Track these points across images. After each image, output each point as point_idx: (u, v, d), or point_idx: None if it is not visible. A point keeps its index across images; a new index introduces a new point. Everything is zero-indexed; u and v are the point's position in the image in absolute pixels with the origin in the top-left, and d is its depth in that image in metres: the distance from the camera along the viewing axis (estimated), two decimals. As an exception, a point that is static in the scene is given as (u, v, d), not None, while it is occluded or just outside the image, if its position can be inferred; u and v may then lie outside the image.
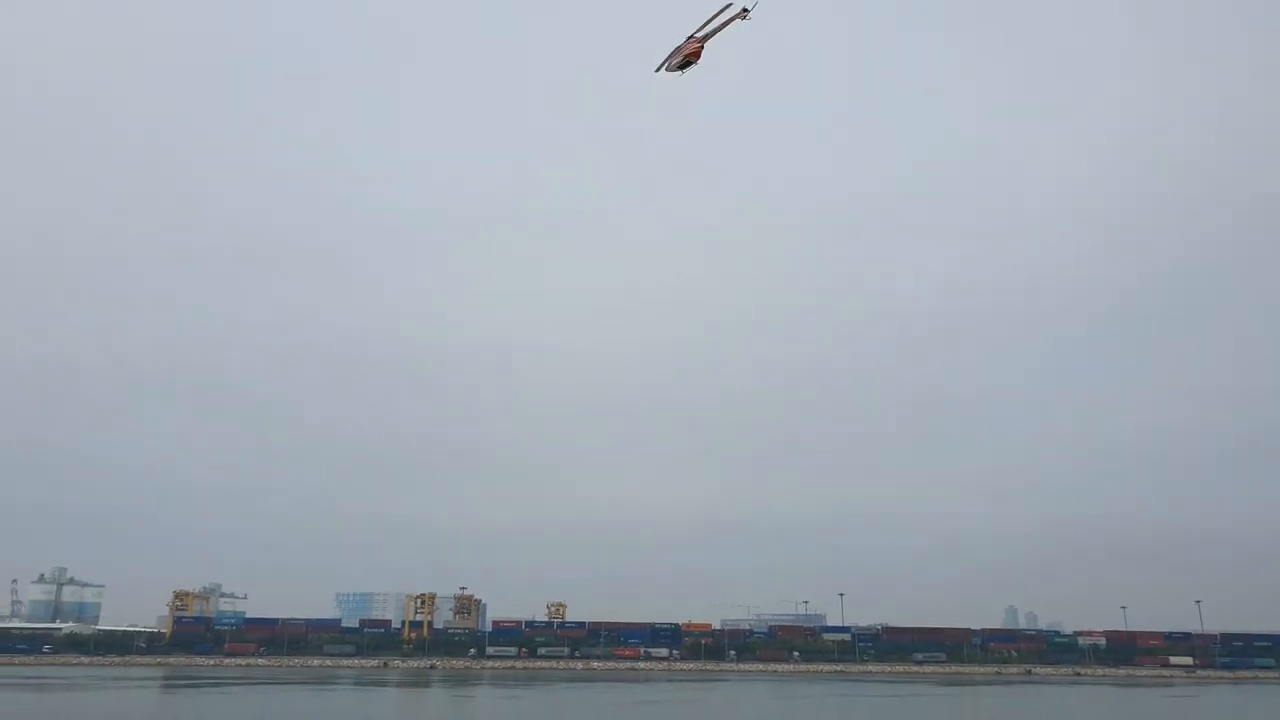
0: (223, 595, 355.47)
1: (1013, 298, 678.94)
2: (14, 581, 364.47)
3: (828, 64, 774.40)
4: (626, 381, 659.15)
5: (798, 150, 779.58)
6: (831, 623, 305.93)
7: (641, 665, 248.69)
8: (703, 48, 51.17)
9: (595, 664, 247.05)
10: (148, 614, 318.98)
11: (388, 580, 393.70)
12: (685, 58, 51.51)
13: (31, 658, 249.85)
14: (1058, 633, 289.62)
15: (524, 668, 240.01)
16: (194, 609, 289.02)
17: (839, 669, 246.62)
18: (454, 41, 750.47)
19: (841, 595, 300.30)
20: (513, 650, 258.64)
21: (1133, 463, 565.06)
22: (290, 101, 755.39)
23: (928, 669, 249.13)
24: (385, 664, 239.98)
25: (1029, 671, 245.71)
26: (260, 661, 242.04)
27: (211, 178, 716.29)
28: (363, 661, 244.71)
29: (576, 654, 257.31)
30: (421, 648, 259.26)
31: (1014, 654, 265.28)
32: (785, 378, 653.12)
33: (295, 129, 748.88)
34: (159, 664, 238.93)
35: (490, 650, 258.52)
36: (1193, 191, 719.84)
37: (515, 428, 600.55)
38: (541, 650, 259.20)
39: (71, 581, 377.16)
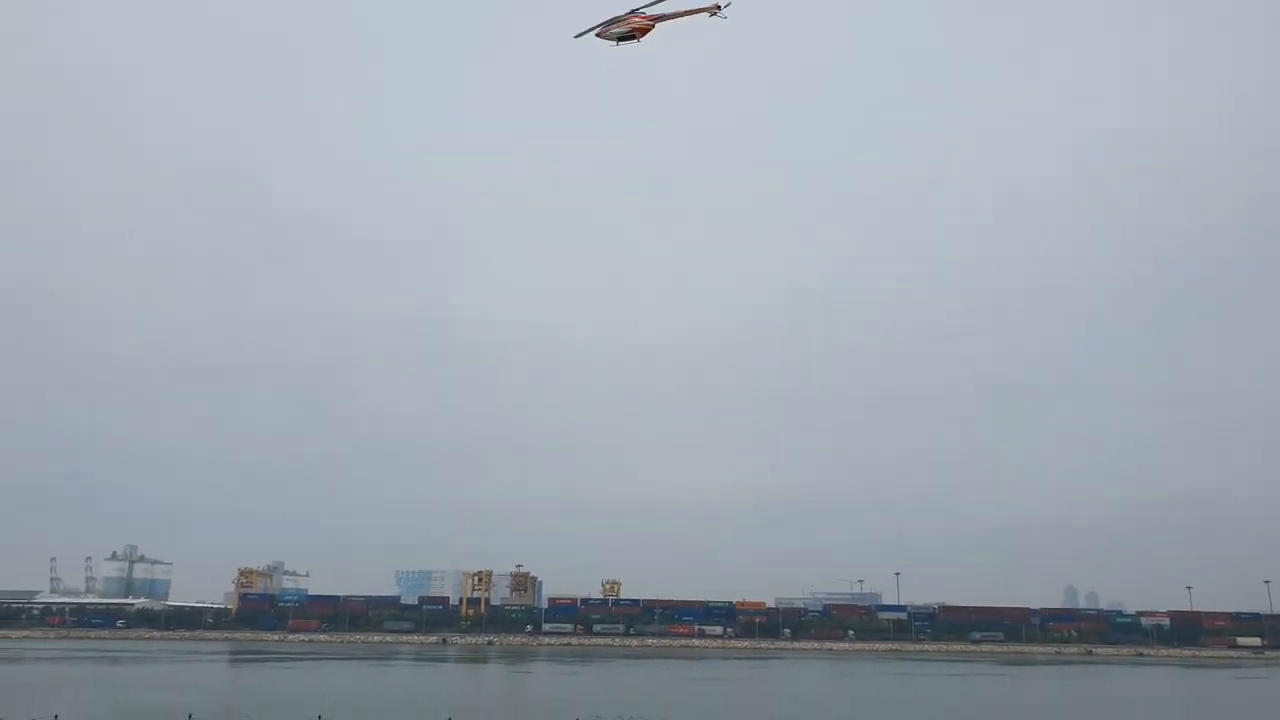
0: (285, 573, 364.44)
1: (1074, 280, 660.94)
2: (88, 559, 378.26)
3: (924, 39, 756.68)
4: (685, 363, 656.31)
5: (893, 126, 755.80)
6: (887, 602, 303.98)
7: (696, 643, 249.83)
8: (654, 27, 49.14)
9: (650, 641, 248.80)
10: (214, 591, 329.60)
11: (446, 558, 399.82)
12: (631, 30, 49.41)
13: (107, 632, 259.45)
14: (1119, 613, 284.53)
15: (579, 644, 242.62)
16: (258, 586, 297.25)
17: (894, 648, 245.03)
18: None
19: (897, 574, 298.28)
20: (569, 627, 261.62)
21: (1197, 442, 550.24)
22: (354, 91, 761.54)
23: (985, 648, 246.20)
24: (444, 640, 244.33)
25: (1089, 652, 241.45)
26: (323, 637, 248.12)
27: (279, 174, 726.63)
28: (422, 638, 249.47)
29: (631, 631, 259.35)
30: (479, 624, 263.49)
31: (1074, 634, 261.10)
32: (848, 358, 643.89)
33: (358, 117, 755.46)
34: (226, 639, 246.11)
35: (546, 627, 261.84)
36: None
37: (574, 410, 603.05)
38: (597, 627, 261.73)
39: (142, 559, 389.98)
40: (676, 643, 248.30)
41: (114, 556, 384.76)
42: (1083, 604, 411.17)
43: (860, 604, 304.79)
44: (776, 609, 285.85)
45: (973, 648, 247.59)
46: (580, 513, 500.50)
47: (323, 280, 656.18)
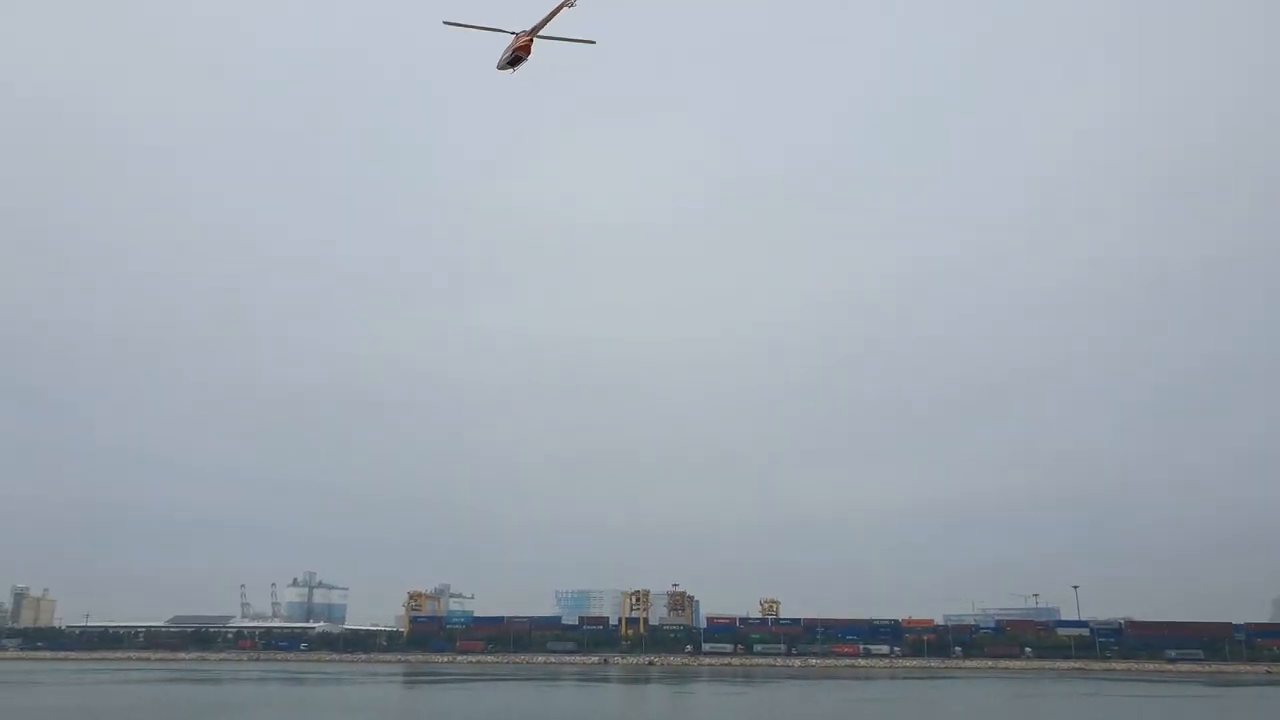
0: (452, 595, 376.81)
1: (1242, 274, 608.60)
2: (273, 585, 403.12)
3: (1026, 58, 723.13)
4: (843, 372, 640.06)
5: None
6: (1066, 617, 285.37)
7: (861, 662, 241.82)
8: (532, 42, 49.27)
9: (813, 661, 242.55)
10: (386, 613, 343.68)
11: (603, 578, 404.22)
12: (514, 53, 49.82)
13: (292, 654, 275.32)
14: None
15: (740, 664, 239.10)
16: (426, 609, 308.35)
17: (1077, 666, 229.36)
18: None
19: (1076, 588, 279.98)
20: (728, 646, 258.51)
21: None
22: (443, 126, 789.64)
23: (1182, 667, 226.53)
24: (605, 660, 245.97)
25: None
26: (489, 658, 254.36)
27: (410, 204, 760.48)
28: (584, 658, 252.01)
29: (793, 651, 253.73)
30: (639, 644, 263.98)
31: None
32: (1009, 361, 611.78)
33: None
34: (399, 660, 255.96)
35: (706, 647, 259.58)
36: None
37: (725, 424, 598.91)
38: (757, 647, 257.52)
39: (320, 585, 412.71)
40: (841, 662, 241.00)
41: (295, 582, 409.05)
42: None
43: (1037, 619, 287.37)
44: (945, 626, 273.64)
45: (1169, 667, 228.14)
46: (734, 530, 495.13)
47: (468, 304, 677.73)
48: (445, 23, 50.60)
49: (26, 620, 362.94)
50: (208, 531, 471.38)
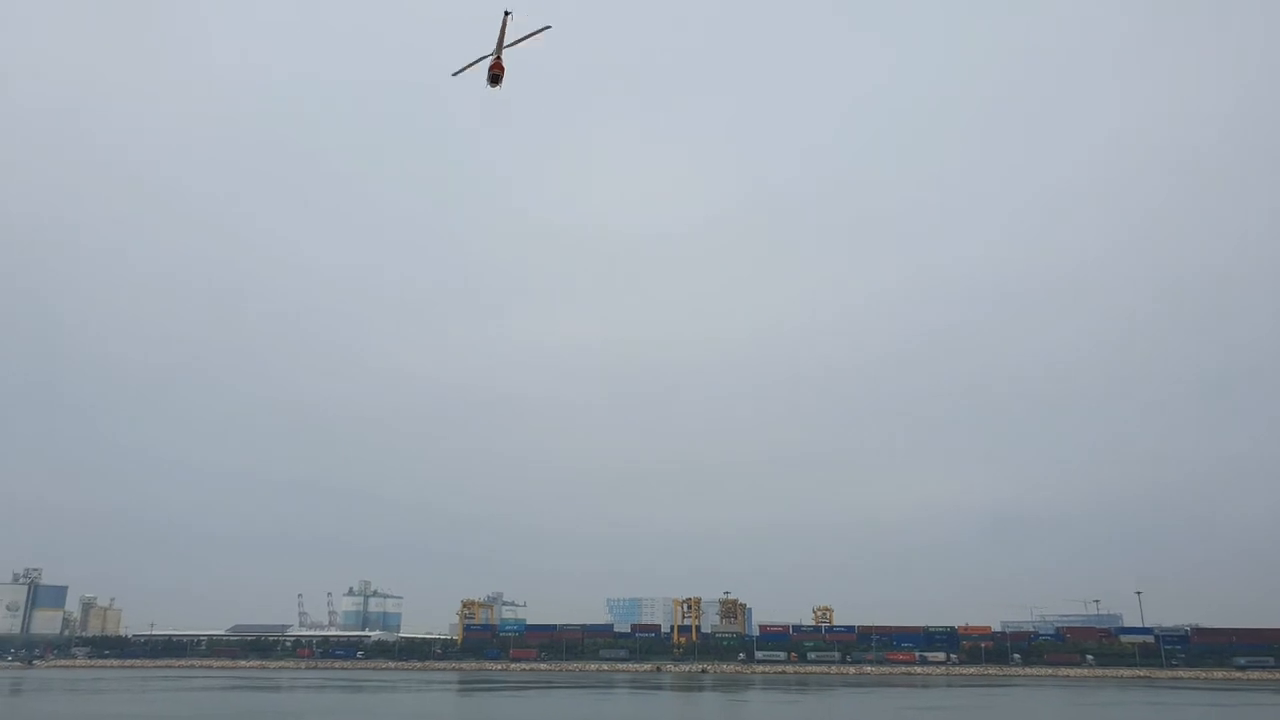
0: (504, 603, 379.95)
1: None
2: (329, 594, 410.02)
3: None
4: (897, 375, 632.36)
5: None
6: (1129, 623, 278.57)
7: (917, 670, 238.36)
8: (501, 58, 49.66)
9: (868, 668, 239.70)
10: (440, 621, 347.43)
11: (654, 585, 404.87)
12: (491, 73, 50.27)
13: (348, 662, 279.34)
14: None
15: (794, 672, 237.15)
16: (479, 617, 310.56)
17: (1142, 675, 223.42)
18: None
19: (1139, 593, 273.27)
20: (781, 654, 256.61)
21: None
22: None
23: (1253, 675, 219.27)
24: (658, 668, 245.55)
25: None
26: (542, 666, 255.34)
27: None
28: (636, 665, 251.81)
29: (848, 658, 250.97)
30: (691, 652, 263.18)
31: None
32: (1067, 362, 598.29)
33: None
34: (454, 668, 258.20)
35: (759, 654, 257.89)
36: None
37: (772, 430, 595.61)
38: (811, 655, 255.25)
39: (375, 594, 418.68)
40: (896, 670, 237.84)
41: (351, 591, 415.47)
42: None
43: (1098, 625, 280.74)
44: (1003, 633, 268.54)
45: (1239, 675, 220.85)
46: (785, 536, 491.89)
47: (516, 318, 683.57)
48: (453, 75, 51.44)
49: (94, 629, 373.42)
50: (266, 543, 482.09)
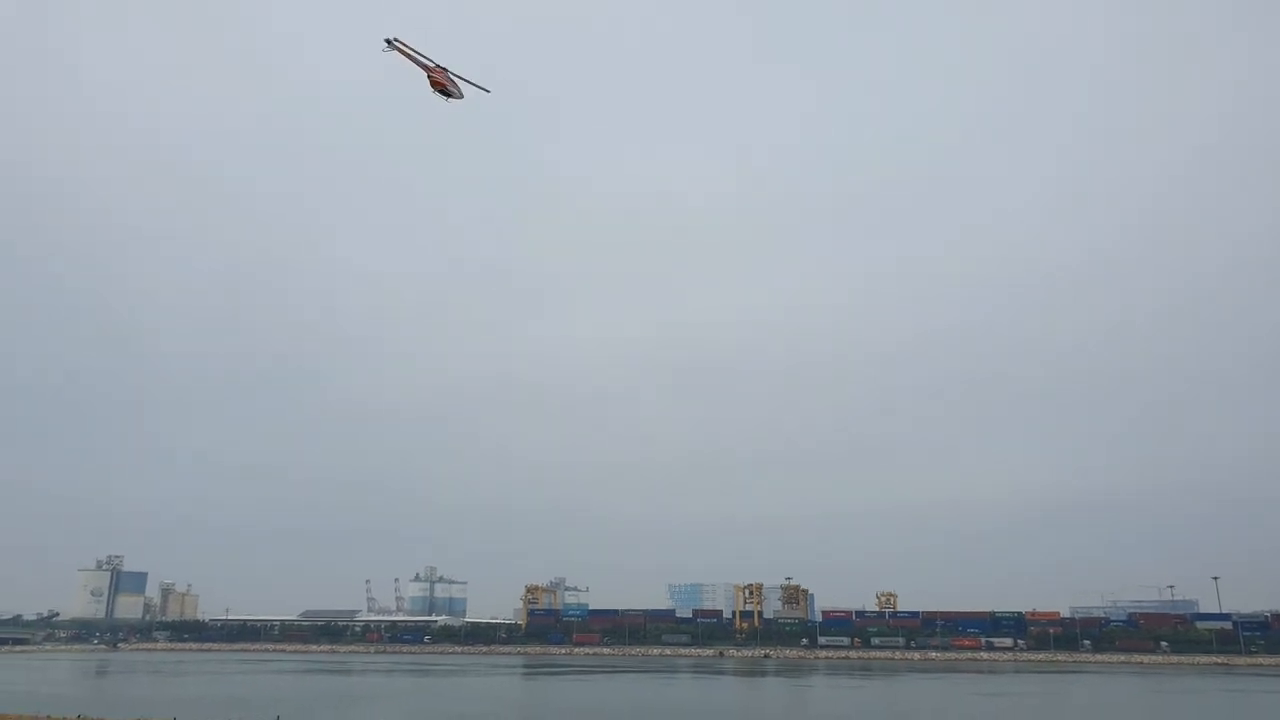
0: (567, 589, 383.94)
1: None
2: (396, 580, 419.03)
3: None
4: (950, 362, 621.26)
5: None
6: (1205, 609, 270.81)
7: (983, 655, 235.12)
8: (440, 73, 51.16)
9: (933, 654, 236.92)
10: (504, 606, 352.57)
11: (715, 571, 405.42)
12: (434, 87, 51.64)
13: (416, 647, 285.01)
14: None
15: (858, 658, 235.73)
16: (543, 602, 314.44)
17: (1219, 662, 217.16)
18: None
19: (1216, 579, 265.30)
20: (844, 640, 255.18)
21: None
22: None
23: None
24: (720, 653, 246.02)
25: None
26: (605, 650, 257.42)
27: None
28: (698, 650, 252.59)
29: (912, 644, 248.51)
30: (753, 637, 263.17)
31: None
32: (1141, 339, 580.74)
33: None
34: (519, 653, 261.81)
35: (821, 640, 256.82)
36: None
37: (833, 414, 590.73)
38: (875, 640, 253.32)
39: (441, 579, 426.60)
40: (962, 655, 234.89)
41: (418, 577, 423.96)
42: None
43: (1172, 612, 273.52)
44: (1073, 619, 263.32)
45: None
46: (848, 523, 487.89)
47: (579, 310, 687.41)
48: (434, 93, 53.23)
49: (173, 614, 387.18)
50: (335, 531, 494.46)
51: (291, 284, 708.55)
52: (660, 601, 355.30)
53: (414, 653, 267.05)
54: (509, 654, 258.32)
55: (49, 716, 58.28)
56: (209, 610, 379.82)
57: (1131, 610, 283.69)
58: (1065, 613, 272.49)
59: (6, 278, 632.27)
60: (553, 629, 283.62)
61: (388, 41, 49.49)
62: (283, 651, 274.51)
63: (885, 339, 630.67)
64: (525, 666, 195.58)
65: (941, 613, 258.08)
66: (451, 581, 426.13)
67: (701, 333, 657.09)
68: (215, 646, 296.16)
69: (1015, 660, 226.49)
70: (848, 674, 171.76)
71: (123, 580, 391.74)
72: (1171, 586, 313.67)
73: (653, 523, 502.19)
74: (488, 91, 53.22)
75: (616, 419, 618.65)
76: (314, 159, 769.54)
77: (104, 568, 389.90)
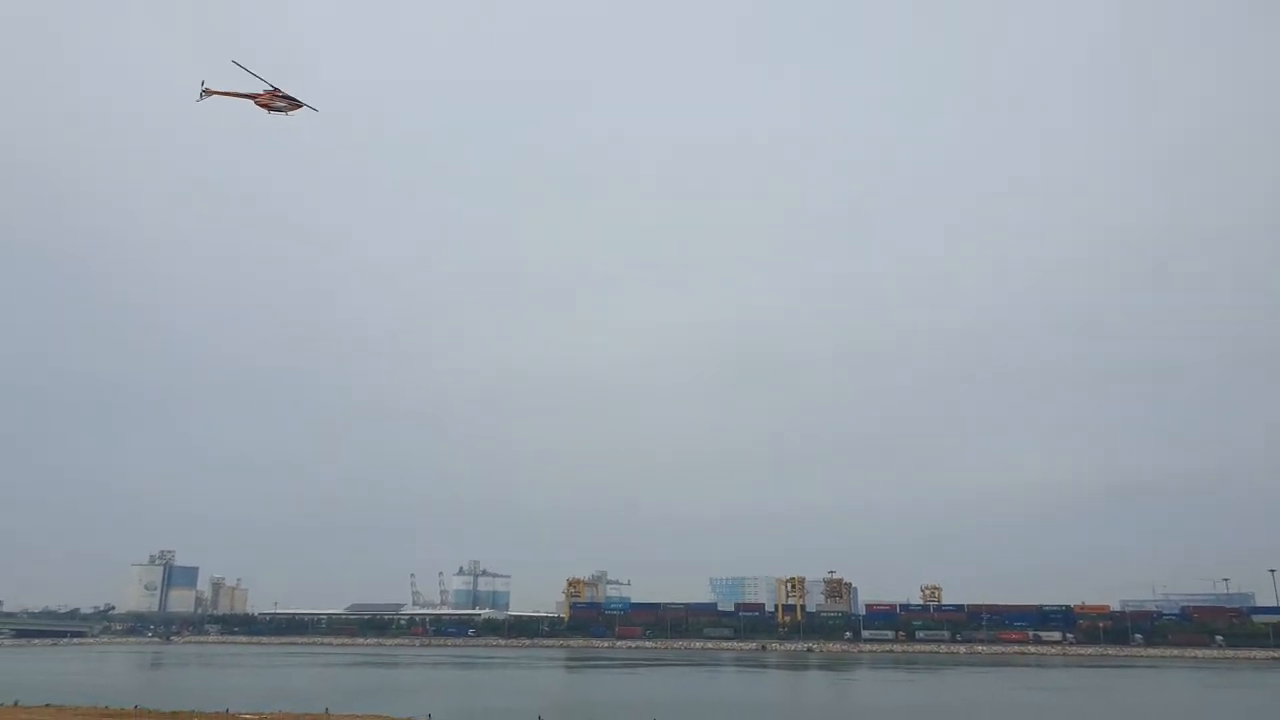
0: (609, 582, 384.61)
1: None
2: (440, 574, 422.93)
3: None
4: (994, 349, 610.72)
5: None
6: (1262, 603, 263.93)
7: (1031, 649, 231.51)
8: (269, 96, 56.95)
9: (979, 648, 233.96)
10: (546, 600, 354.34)
11: (757, 565, 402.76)
12: (260, 104, 57.28)
13: (460, 640, 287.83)
14: None
15: (903, 651, 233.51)
16: (585, 595, 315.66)
17: (1278, 656, 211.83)
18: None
19: (1273, 571, 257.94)
20: (889, 633, 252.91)
21: None
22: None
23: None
24: (763, 646, 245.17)
25: None
26: (647, 644, 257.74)
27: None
28: (740, 644, 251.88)
29: (957, 637, 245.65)
30: (796, 630, 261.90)
31: None
32: (1187, 333, 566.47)
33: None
34: (562, 645, 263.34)
35: (865, 634, 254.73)
36: None
37: (876, 404, 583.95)
38: (919, 634, 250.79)
39: (484, 573, 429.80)
40: (1009, 649, 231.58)
41: (461, 571, 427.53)
42: None
43: (1227, 605, 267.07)
44: (1123, 612, 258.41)
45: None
46: (891, 517, 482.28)
47: (624, 302, 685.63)
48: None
49: (223, 607, 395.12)
50: (381, 525, 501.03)
51: (317, 285, 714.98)
52: (702, 595, 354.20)
53: (458, 646, 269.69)
54: (552, 647, 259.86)
55: (107, 708, 59.76)
56: (257, 604, 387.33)
57: (1184, 604, 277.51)
58: (1115, 606, 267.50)
59: (68, 286, 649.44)
60: (595, 622, 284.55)
61: (203, 93, 57.58)
62: (330, 645, 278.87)
63: (931, 326, 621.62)
64: (568, 659, 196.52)
65: (987, 606, 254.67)
66: (495, 575, 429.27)
67: (744, 324, 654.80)
68: (264, 640, 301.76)
69: (1064, 654, 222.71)
70: (894, 668, 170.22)
71: (175, 575, 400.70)
72: (1226, 579, 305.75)
73: (693, 516, 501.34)
74: (316, 110, 58.90)
75: (655, 414, 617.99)
76: (329, 158, 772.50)
77: (156, 563, 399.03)
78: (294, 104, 58.42)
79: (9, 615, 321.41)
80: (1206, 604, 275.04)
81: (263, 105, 57.88)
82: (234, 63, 55.17)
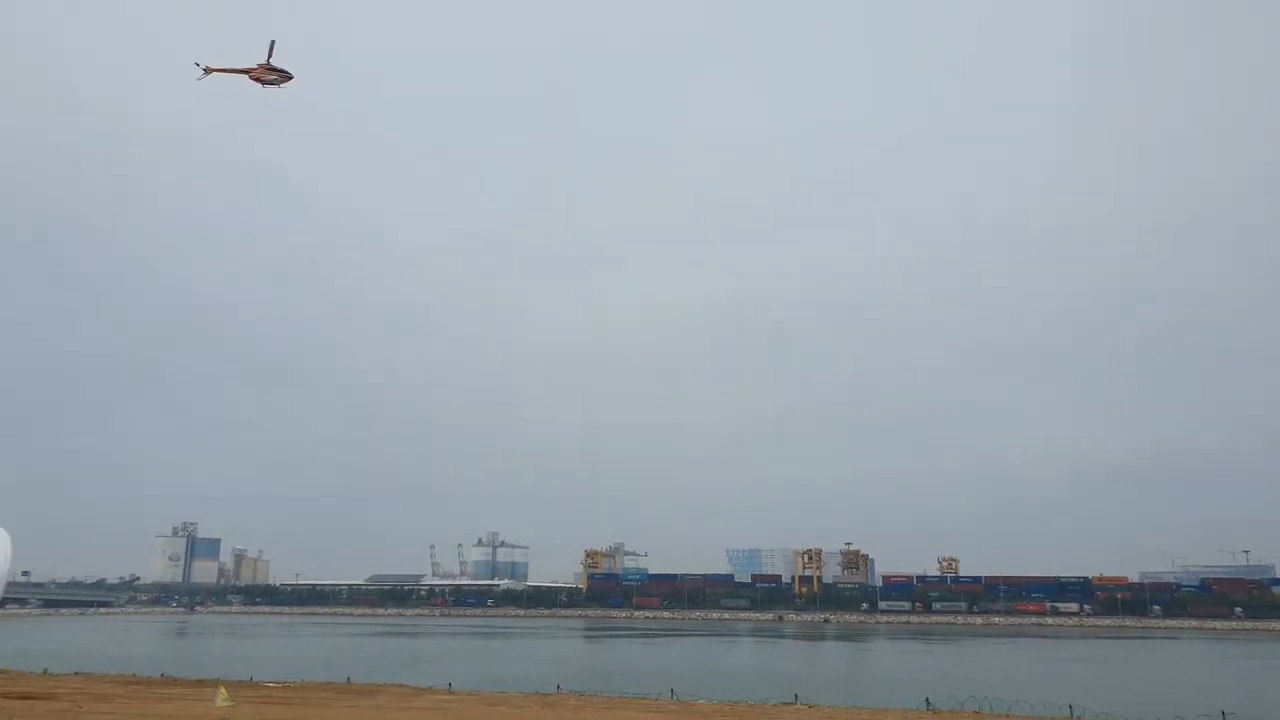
0: (626, 553, 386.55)
1: None
2: (459, 545, 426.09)
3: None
4: (1027, 319, 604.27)
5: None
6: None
7: (1049, 621, 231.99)
8: (260, 71, 61.28)
9: (996, 619, 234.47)
10: (564, 570, 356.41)
11: (773, 536, 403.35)
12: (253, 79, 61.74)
13: (479, 610, 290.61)
14: None
15: (919, 622, 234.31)
16: (602, 566, 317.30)
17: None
18: None
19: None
20: (905, 605, 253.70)
21: None
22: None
23: None
24: (780, 617, 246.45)
25: None
26: (665, 614, 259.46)
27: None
28: (757, 615, 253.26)
29: (974, 609, 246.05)
30: (812, 602, 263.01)
31: None
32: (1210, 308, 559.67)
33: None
34: (580, 615, 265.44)
35: (882, 605, 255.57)
36: None
37: (895, 376, 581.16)
38: (936, 605, 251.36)
39: (503, 544, 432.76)
40: (1026, 620, 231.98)
41: (480, 542, 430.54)
42: None
43: (1247, 577, 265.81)
44: (1141, 584, 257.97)
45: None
46: (907, 487, 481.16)
47: (642, 275, 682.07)
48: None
49: (245, 578, 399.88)
50: (400, 497, 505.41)
51: (348, 270, 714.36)
52: (719, 566, 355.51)
53: (477, 616, 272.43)
54: (570, 617, 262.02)
55: (135, 675, 60.52)
56: (279, 575, 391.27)
57: (1204, 575, 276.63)
58: (1134, 577, 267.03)
59: (98, 265, 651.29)
60: (613, 593, 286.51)
61: (204, 71, 61.49)
62: (350, 615, 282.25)
63: (948, 296, 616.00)
64: (587, 630, 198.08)
65: (1004, 577, 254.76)
66: (514, 546, 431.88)
67: (762, 294, 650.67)
68: (286, 610, 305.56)
69: (1081, 626, 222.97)
70: (911, 638, 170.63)
71: (197, 546, 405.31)
72: (1246, 551, 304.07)
73: (710, 488, 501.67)
74: (291, 77, 63.04)
75: (674, 386, 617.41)
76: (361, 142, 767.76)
77: (179, 534, 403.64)
78: (285, 76, 62.67)
79: (37, 585, 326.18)
80: (1226, 575, 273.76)
81: (256, 79, 61.87)
82: (205, 70, 61.99)
